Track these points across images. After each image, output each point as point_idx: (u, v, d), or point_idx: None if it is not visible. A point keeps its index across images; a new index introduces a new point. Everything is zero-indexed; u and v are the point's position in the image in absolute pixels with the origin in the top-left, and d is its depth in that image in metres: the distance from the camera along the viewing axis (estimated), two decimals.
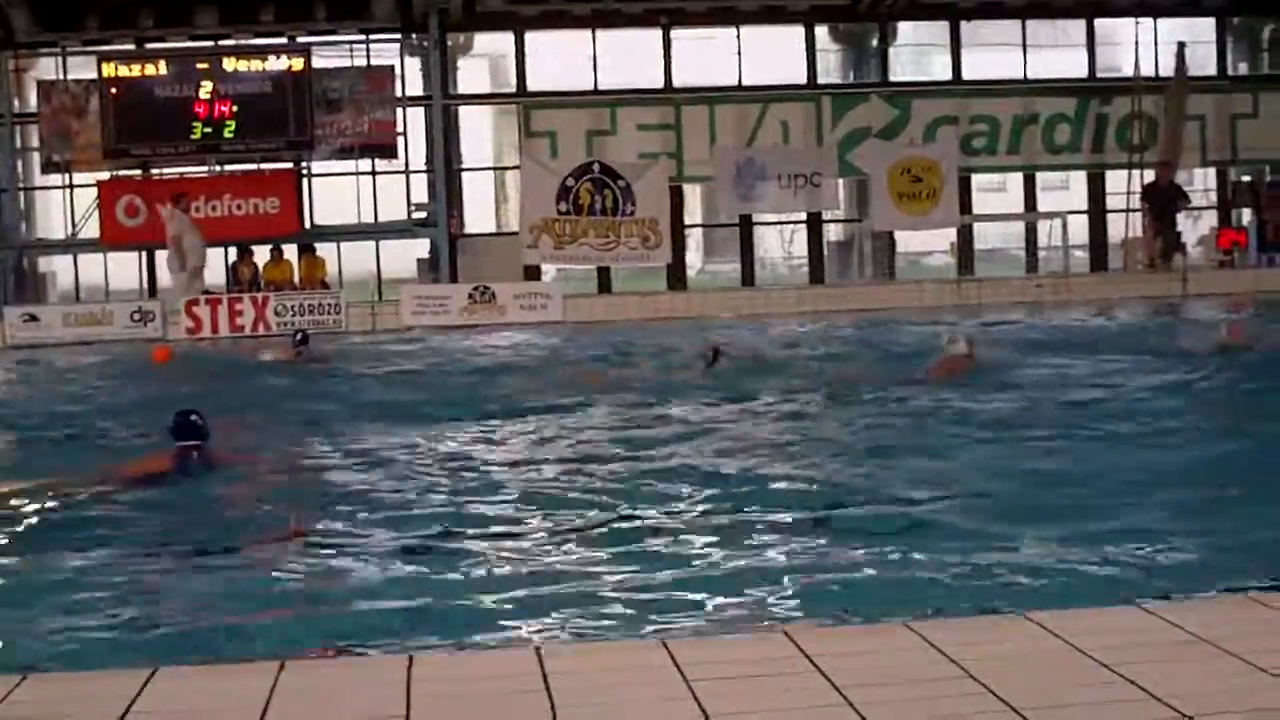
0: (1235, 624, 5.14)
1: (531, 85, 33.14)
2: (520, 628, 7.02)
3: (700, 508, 9.77)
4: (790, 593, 7.40)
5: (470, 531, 9.22)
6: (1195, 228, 34.93)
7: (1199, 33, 34.95)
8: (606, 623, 7.02)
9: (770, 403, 15.34)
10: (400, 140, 31.68)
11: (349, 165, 31.58)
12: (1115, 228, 34.21)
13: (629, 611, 7.20)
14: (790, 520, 9.23)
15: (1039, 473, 10.67)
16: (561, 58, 33.70)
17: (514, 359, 22.43)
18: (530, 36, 33.03)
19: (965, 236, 34.20)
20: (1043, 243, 34.84)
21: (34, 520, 9.90)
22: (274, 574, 8.38)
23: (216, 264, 31.18)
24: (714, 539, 8.72)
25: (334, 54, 32.03)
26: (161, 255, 31.16)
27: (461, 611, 7.30)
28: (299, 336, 22.94)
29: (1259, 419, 12.56)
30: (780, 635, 5.42)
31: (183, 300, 28.87)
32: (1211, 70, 35.02)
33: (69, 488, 10.75)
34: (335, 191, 31.81)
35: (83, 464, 11.95)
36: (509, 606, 7.36)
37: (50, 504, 10.31)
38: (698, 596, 7.40)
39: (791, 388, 16.46)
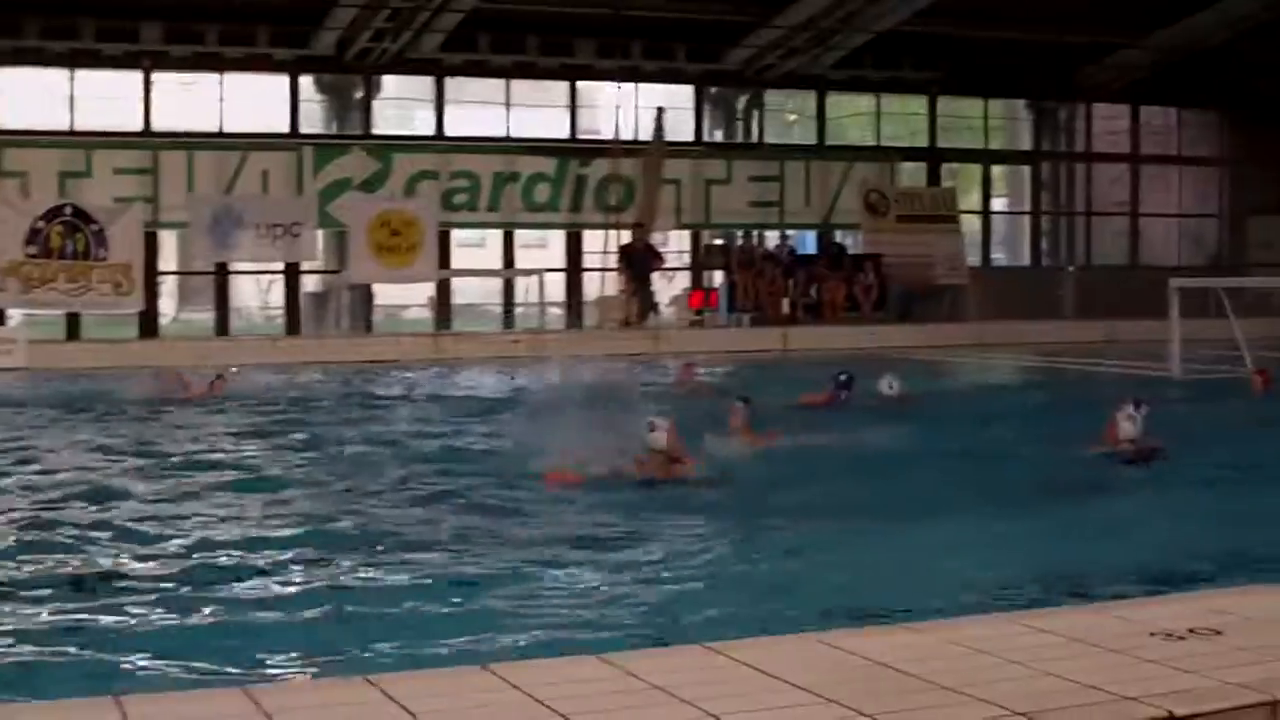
0: (690, 672, 5.19)
1: (3, 123, 31.77)
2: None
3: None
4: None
5: None
6: (669, 288, 35.98)
7: (677, 100, 36.12)
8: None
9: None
10: None
11: None
12: (591, 286, 34.94)
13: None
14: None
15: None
16: (36, 96, 32.48)
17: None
18: (2, 73, 31.71)
19: (444, 291, 34.36)
20: (520, 299, 35.37)
21: None
22: None
23: None
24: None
25: None
26: None
27: None
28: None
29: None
30: (237, 692, 5.21)
31: None
32: (689, 136, 36.22)
33: None
34: None
35: None
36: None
37: None
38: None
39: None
